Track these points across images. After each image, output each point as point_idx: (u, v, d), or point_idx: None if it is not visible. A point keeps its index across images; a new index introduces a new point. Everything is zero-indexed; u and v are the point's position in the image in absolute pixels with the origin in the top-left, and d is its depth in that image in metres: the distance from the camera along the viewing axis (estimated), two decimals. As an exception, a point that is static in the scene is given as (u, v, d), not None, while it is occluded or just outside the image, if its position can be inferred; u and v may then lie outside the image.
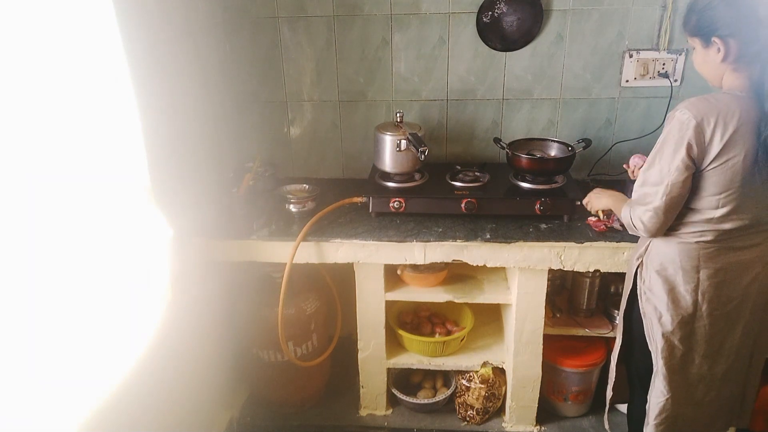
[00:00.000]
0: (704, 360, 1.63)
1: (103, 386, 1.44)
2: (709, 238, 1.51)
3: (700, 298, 1.56)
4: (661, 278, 1.59)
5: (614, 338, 2.19)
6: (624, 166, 2.01)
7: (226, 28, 2.27)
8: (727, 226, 1.49)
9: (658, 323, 1.61)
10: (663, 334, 1.61)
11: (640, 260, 1.66)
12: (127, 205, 1.57)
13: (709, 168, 1.44)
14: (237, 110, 2.41)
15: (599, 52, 2.28)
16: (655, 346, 1.63)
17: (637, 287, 1.67)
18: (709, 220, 1.49)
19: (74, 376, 1.34)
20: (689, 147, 1.42)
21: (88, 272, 1.40)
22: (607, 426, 1.98)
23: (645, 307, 1.64)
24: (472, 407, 2.28)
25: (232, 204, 2.18)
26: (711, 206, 1.48)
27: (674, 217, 1.52)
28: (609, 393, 1.91)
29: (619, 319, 1.79)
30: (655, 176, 1.49)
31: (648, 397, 1.71)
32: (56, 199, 1.28)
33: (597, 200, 1.85)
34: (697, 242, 1.52)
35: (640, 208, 1.53)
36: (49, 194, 1.26)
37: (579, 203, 2.02)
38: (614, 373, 1.85)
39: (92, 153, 1.41)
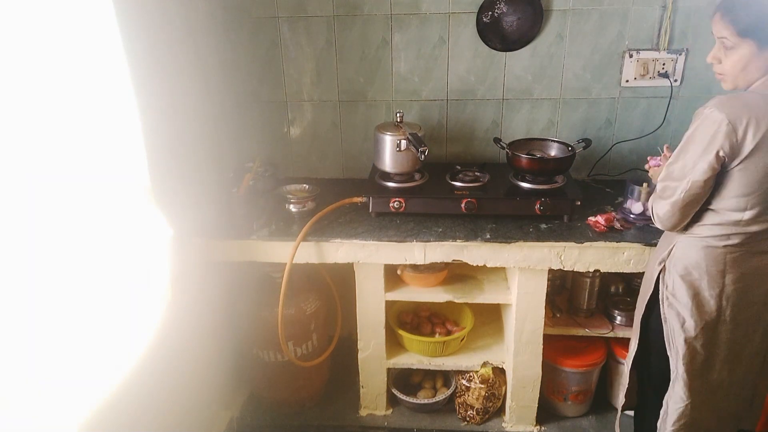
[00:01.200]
0: (724, 365, 1.61)
1: (103, 386, 1.45)
2: (736, 241, 1.49)
3: (724, 303, 1.53)
4: (686, 283, 1.56)
5: (614, 338, 2.21)
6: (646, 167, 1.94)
7: (226, 28, 2.27)
8: (754, 228, 1.47)
9: (680, 329, 1.58)
10: (686, 340, 1.58)
11: (662, 265, 1.62)
12: (127, 205, 1.57)
13: (738, 167, 1.42)
14: (237, 110, 2.41)
15: (599, 52, 2.28)
16: (676, 351, 1.61)
17: (659, 292, 1.63)
18: (737, 223, 1.47)
19: (75, 376, 1.34)
20: (719, 147, 1.40)
21: (88, 272, 1.40)
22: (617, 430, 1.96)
23: (667, 313, 1.61)
24: (472, 407, 2.28)
25: (232, 204, 2.18)
26: (737, 208, 1.46)
27: (691, 214, 1.51)
28: (621, 399, 1.88)
29: (636, 324, 1.75)
30: (678, 172, 1.48)
31: (665, 403, 1.69)
32: (56, 199, 1.29)
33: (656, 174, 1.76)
34: (724, 246, 1.50)
35: (660, 201, 1.54)
36: (49, 194, 1.26)
37: (579, 203, 2.03)
38: (628, 379, 1.82)
39: (92, 153, 1.41)
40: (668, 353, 1.63)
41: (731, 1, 1.44)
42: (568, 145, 2.20)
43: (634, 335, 1.77)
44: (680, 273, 1.57)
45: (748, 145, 1.38)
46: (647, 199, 1.99)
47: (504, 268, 2.22)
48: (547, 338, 2.13)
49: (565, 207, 2.04)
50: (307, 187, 2.26)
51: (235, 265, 2.13)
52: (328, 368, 2.45)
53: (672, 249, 1.60)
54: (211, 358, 2.18)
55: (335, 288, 2.35)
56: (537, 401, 2.24)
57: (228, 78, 2.31)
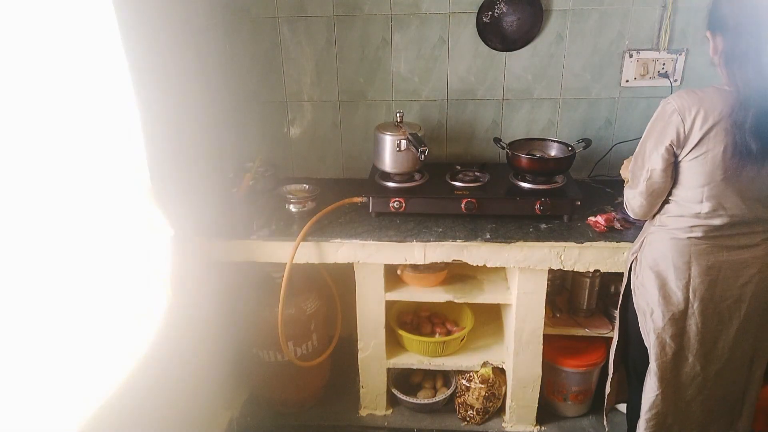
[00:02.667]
0: (697, 359, 1.63)
1: (103, 386, 1.45)
2: (699, 234, 1.53)
3: (691, 295, 1.57)
4: (653, 273, 1.61)
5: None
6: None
7: (226, 28, 2.27)
8: (715, 222, 1.51)
9: (650, 319, 1.63)
10: (654, 330, 1.63)
11: (635, 256, 1.69)
12: (127, 205, 1.57)
13: (689, 157, 1.48)
14: (237, 110, 2.41)
15: (599, 52, 2.28)
16: (649, 342, 1.65)
17: (631, 283, 1.70)
18: (697, 215, 1.52)
19: (75, 376, 1.34)
20: (669, 135, 1.48)
21: (88, 272, 1.39)
22: (605, 423, 2.00)
23: (639, 302, 1.67)
24: (472, 407, 2.28)
25: (232, 204, 2.18)
26: (694, 199, 1.51)
27: (657, 203, 1.60)
28: (607, 389, 1.92)
29: (617, 315, 1.82)
30: (639, 161, 1.59)
31: (642, 392, 1.73)
32: (57, 199, 1.28)
33: (624, 170, 1.88)
34: (688, 238, 1.55)
35: (629, 191, 1.66)
36: (49, 194, 1.26)
37: (579, 203, 2.03)
38: (612, 370, 1.86)
39: (93, 153, 1.41)
40: (645, 344, 1.67)
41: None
42: (568, 145, 2.20)
43: (616, 326, 1.84)
44: (649, 264, 1.63)
45: (696, 135, 1.45)
46: None
47: (504, 268, 2.22)
48: (547, 338, 2.13)
49: (565, 207, 2.04)
50: (307, 187, 2.26)
51: (235, 265, 2.13)
52: (328, 368, 2.45)
53: (643, 241, 1.67)
54: (211, 358, 2.18)
55: (335, 288, 2.35)
56: (537, 401, 2.24)
57: (228, 78, 2.31)
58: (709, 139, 1.44)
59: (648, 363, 1.68)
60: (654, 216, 1.65)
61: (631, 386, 1.86)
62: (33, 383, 1.21)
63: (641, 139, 1.60)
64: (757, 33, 1.40)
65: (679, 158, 1.51)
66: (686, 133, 1.46)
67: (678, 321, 1.60)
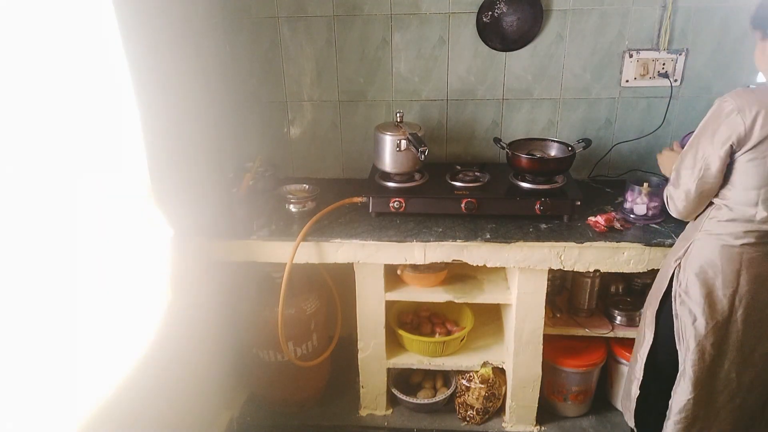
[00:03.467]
0: (732, 366, 1.61)
1: (103, 386, 1.45)
2: (752, 240, 1.50)
3: (737, 303, 1.54)
4: (699, 281, 1.57)
5: (614, 338, 2.21)
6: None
7: (226, 28, 2.27)
8: (766, 227, 1.48)
9: (691, 326, 1.60)
10: (696, 338, 1.59)
11: (678, 263, 1.64)
12: (127, 205, 1.57)
13: (745, 158, 1.44)
14: (237, 110, 2.41)
15: (599, 52, 2.28)
16: (686, 347, 1.62)
17: (672, 289, 1.65)
18: (750, 219, 1.49)
19: (74, 376, 1.34)
20: (728, 135, 1.44)
21: (88, 272, 1.39)
22: (633, 427, 1.92)
23: (679, 310, 1.63)
24: (472, 407, 2.28)
25: (232, 204, 2.18)
26: (749, 202, 1.48)
27: (705, 204, 1.57)
28: (635, 391, 1.84)
29: (649, 320, 1.75)
30: (690, 160, 1.53)
31: (672, 395, 1.71)
32: (57, 199, 1.28)
33: (664, 165, 1.82)
34: (741, 245, 1.51)
35: (673, 189, 1.60)
36: (49, 194, 1.26)
37: (579, 203, 2.03)
38: (641, 373, 1.80)
39: (92, 153, 1.41)
40: (678, 348, 1.64)
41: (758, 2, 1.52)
42: (568, 145, 2.20)
43: (648, 329, 1.76)
44: (695, 271, 1.58)
45: (757, 134, 1.41)
46: (649, 200, 2.00)
47: (504, 268, 2.22)
48: (547, 338, 2.13)
49: (565, 207, 2.04)
50: (307, 187, 2.26)
51: (235, 265, 2.13)
52: (328, 368, 2.45)
53: (689, 247, 1.61)
54: (211, 358, 2.18)
55: (335, 288, 2.35)
56: (537, 401, 2.24)
57: (228, 78, 2.31)
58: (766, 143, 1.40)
59: (674, 368, 1.66)
60: (699, 220, 1.60)
61: (648, 389, 1.81)
62: (33, 383, 1.21)
63: (692, 138, 1.54)
64: None
65: (735, 159, 1.46)
66: (746, 132, 1.42)
67: (721, 329, 1.57)
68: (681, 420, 1.68)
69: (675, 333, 1.64)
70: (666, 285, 1.68)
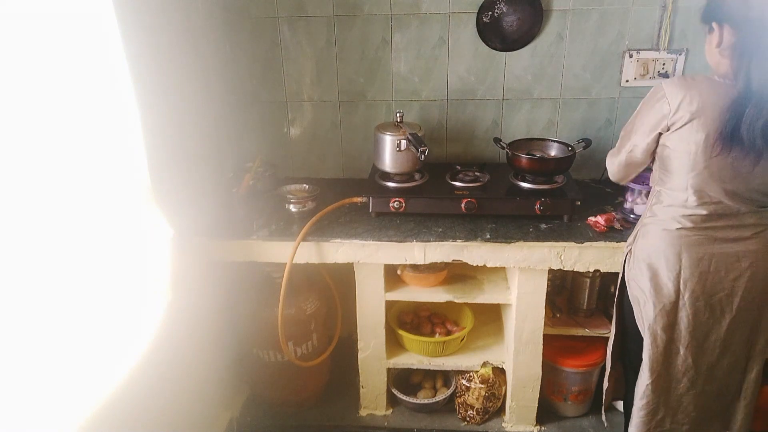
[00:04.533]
0: (689, 352, 1.64)
1: (103, 386, 1.44)
2: (688, 224, 1.55)
3: (681, 286, 1.58)
4: (645, 265, 1.63)
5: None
6: None
7: (226, 28, 2.27)
8: (702, 211, 1.53)
9: (641, 311, 1.65)
10: (646, 321, 1.64)
11: (629, 248, 1.72)
12: (127, 205, 1.57)
13: (673, 140, 1.52)
14: (237, 110, 2.41)
15: (599, 52, 2.28)
16: (645, 334, 1.66)
17: (625, 275, 1.73)
18: (684, 204, 1.55)
19: (74, 377, 1.34)
20: (656, 120, 1.53)
21: (88, 272, 1.40)
22: (604, 419, 2.01)
23: (633, 294, 1.69)
24: (472, 407, 2.28)
25: (232, 204, 2.18)
26: (681, 187, 1.54)
27: (632, 175, 1.73)
28: (605, 384, 1.93)
29: (614, 310, 1.83)
30: (626, 134, 1.67)
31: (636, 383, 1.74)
32: (57, 199, 1.28)
33: None
34: (677, 229, 1.57)
35: (611, 157, 1.77)
36: (49, 194, 1.26)
37: (579, 203, 2.03)
38: (609, 365, 1.88)
39: (92, 153, 1.41)
40: (642, 335, 1.68)
41: None
42: (568, 145, 2.20)
43: (613, 321, 1.85)
44: (641, 256, 1.65)
45: (680, 117, 1.48)
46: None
47: (504, 268, 2.22)
48: (547, 338, 2.13)
49: (565, 207, 2.04)
50: (307, 187, 2.26)
51: (235, 265, 2.13)
52: (328, 368, 2.45)
53: (637, 233, 1.70)
54: (211, 358, 2.18)
55: (335, 288, 2.35)
56: (537, 401, 2.24)
57: (228, 78, 2.31)
58: (692, 125, 1.47)
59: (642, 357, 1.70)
60: (647, 208, 1.68)
61: (628, 382, 1.86)
62: (33, 383, 1.21)
63: (633, 115, 1.64)
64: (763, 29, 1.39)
65: (664, 141, 1.54)
66: (672, 113, 1.49)
67: (669, 313, 1.61)
68: (643, 406, 1.72)
69: (636, 319, 1.69)
70: (621, 273, 1.75)
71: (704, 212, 1.53)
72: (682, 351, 1.64)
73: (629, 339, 1.78)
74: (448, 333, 2.32)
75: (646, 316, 1.64)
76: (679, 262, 1.57)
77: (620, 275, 1.78)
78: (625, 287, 1.73)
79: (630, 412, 1.82)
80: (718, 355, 1.65)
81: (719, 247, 1.55)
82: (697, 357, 1.65)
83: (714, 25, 1.48)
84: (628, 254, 1.72)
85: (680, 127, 1.49)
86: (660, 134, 1.55)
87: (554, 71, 2.33)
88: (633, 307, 1.69)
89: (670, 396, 1.70)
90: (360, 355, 2.26)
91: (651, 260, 1.62)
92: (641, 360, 1.70)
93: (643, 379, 1.69)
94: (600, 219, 1.98)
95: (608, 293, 2.30)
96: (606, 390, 1.95)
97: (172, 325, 1.78)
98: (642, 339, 1.68)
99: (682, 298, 1.59)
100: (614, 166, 1.74)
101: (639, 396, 1.72)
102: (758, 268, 1.55)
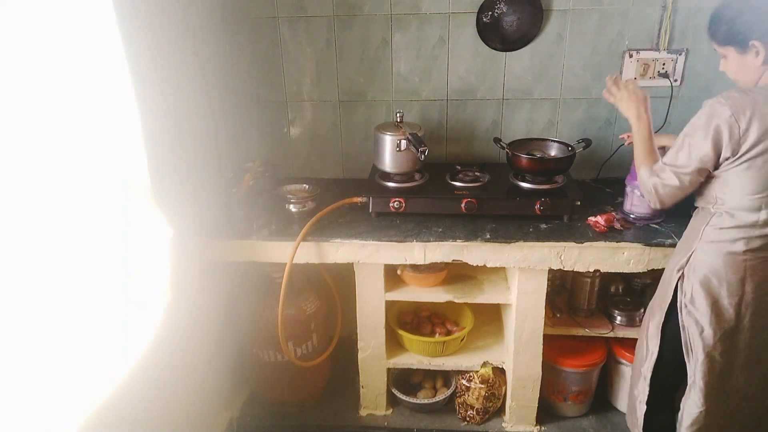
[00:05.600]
0: (742, 371, 1.60)
1: (103, 386, 1.44)
2: (756, 245, 1.48)
3: (743, 310, 1.52)
4: (705, 291, 1.55)
5: (614, 338, 2.21)
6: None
7: (226, 28, 2.27)
8: None
9: (699, 337, 1.57)
10: (704, 348, 1.57)
11: (681, 272, 1.61)
12: (127, 205, 1.57)
13: (743, 161, 1.43)
14: (237, 110, 2.41)
15: (599, 52, 2.28)
16: (695, 359, 1.59)
17: (677, 300, 1.62)
18: (754, 225, 1.47)
19: (74, 377, 1.34)
20: (719, 137, 1.43)
21: (88, 272, 1.39)
22: None
23: (685, 321, 1.60)
24: (472, 407, 2.28)
25: (232, 204, 2.18)
26: (752, 208, 1.46)
27: (682, 198, 1.59)
28: (642, 408, 1.77)
29: (654, 331, 1.71)
30: (684, 158, 1.52)
31: (681, 407, 1.68)
32: (57, 199, 1.28)
33: (625, 104, 1.76)
34: (744, 252, 1.49)
35: (661, 181, 1.57)
36: (49, 194, 1.26)
37: (579, 203, 2.03)
38: (648, 388, 1.75)
39: (92, 153, 1.41)
40: (686, 360, 1.61)
41: (710, 19, 1.53)
42: (568, 145, 2.20)
43: (652, 342, 1.71)
44: (699, 280, 1.56)
45: (752, 138, 1.40)
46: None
47: (504, 268, 2.22)
48: (547, 338, 2.13)
49: (565, 207, 2.04)
50: (307, 187, 2.26)
51: (235, 265, 2.13)
52: (328, 368, 2.45)
53: (691, 255, 1.59)
54: (211, 358, 2.18)
55: (335, 288, 2.35)
56: (537, 401, 2.24)
57: (228, 78, 2.31)
58: (764, 142, 1.39)
59: (681, 380, 1.64)
60: (697, 228, 1.59)
61: (654, 400, 1.78)
62: (33, 383, 1.21)
63: (683, 136, 1.53)
64: None
65: (732, 164, 1.46)
66: (741, 135, 1.41)
67: (728, 337, 1.55)
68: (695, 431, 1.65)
69: (683, 345, 1.61)
70: (671, 296, 1.64)
71: None
72: (736, 372, 1.59)
73: (666, 362, 1.69)
74: (448, 333, 2.32)
75: (704, 342, 1.57)
76: (743, 287, 1.51)
77: (667, 298, 1.66)
78: (675, 312, 1.63)
79: (650, 428, 1.78)
80: (766, 373, 1.61)
81: None
82: (749, 376, 1.60)
83: (755, 43, 1.44)
84: (681, 278, 1.61)
85: (753, 145, 1.41)
86: (724, 154, 1.46)
87: (554, 71, 2.32)
88: (682, 332, 1.61)
89: (722, 417, 1.64)
90: (360, 355, 2.26)
91: (711, 285, 1.54)
92: (675, 382, 1.65)
93: (695, 405, 1.62)
94: (600, 219, 1.98)
95: (608, 293, 2.31)
96: (644, 413, 1.79)
97: (172, 325, 1.78)
98: (680, 363, 1.62)
99: (742, 322, 1.54)
100: (668, 192, 1.57)
101: (689, 422, 1.65)
102: None
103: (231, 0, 2.27)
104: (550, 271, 2.00)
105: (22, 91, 1.17)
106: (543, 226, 2.02)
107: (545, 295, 2.05)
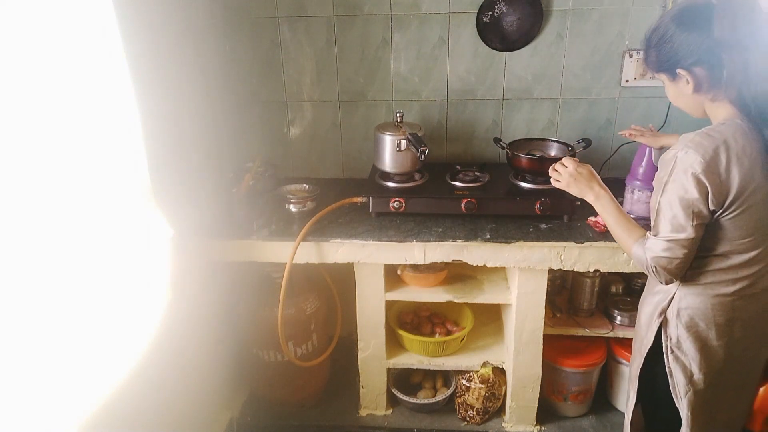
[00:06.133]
0: (732, 402, 1.55)
1: (103, 386, 1.45)
2: (745, 283, 1.40)
3: (732, 349, 1.46)
4: (692, 335, 1.46)
5: (614, 338, 2.21)
6: (621, 133, 2.04)
7: (226, 28, 2.27)
8: (759, 266, 1.38)
9: (688, 383, 1.50)
10: (695, 392, 1.50)
11: (662, 317, 1.50)
12: (127, 205, 1.57)
13: (732, 212, 1.32)
14: (237, 110, 2.41)
15: (599, 52, 2.28)
16: (686, 402, 1.52)
17: (663, 345, 1.51)
18: (742, 265, 1.38)
19: (74, 377, 1.34)
20: (704, 193, 1.29)
21: (88, 272, 1.39)
22: None
23: (672, 367, 1.50)
24: (472, 407, 2.28)
25: (232, 204, 2.18)
26: (745, 250, 1.37)
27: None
28: None
29: (633, 375, 1.63)
30: (678, 224, 1.34)
31: None
32: (57, 199, 1.28)
33: (575, 188, 1.61)
34: (733, 292, 1.41)
35: (665, 257, 1.37)
36: (49, 194, 1.26)
37: (579, 203, 2.03)
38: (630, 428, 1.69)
39: (92, 153, 1.41)
40: (676, 403, 1.54)
41: (643, 41, 1.43)
42: (568, 145, 2.20)
43: (632, 386, 1.65)
44: (685, 324, 1.46)
45: (735, 183, 1.29)
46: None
47: (504, 268, 2.22)
48: (547, 338, 2.13)
49: (565, 207, 2.04)
50: (307, 187, 2.26)
51: (235, 265, 2.13)
52: (328, 368, 2.45)
53: (672, 298, 1.48)
54: (211, 358, 2.18)
55: (335, 288, 2.35)
56: (537, 401, 2.24)
57: (228, 78, 2.31)
58: (748, 184, 1.28)
59: (674, 420, 1.57)
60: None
61: None
62: (33, 383, 1.21)
63: (666, 201, 1.36)
64: (730, 53, 1.28)
65: (719, 215, 1.34)
66: (723, 182, 1.28)
67: (718, 375, 1.49)
68: None
69: (671, 389, 1.53)
70: (652, 340, 1.53)
71: (760, 267, 1.38)
72: (725, 405, 1.55)
73: (662, 408, 1.59)
74: (448, 333, 2.32)
75: (695, 387, 1.49)
76: (731, 328, 1.43)
77: (647, 343, 1.54)
78: (661, 356, 1.51)
79: None
80: (749, 394, 1.58)
81: (765, 298, 1.42)
82: (735, 403, 1.56)
83: (680, 72, 1.34)
84: (663, 322, 1.49)
85: (738, 190, 1.29)
86: (714, 206, 1.32)
87: (554, 71, 2.33)
88: (670, 378, 1.52)
89: None
90: (360, 355, 2.26)
91: (698, 329, 1.45)
92: (673, 423, 1.57)
93: None
94: (600, 219, 1.98)
95: (608, 293, 2.31)
96: None
97: (172, 325, 1.78)
98: (676, 407, 1.54)
99: (731, 357, 1.47)
100: (678, 264, 1.36)
101: None
102: None
103: (231, 0, 2.27)
104: (550, 271, 2.00)
105: (22, 91, 1.17)
106: (543, 226, 2.02)
107: (545, 295, 2.05)
